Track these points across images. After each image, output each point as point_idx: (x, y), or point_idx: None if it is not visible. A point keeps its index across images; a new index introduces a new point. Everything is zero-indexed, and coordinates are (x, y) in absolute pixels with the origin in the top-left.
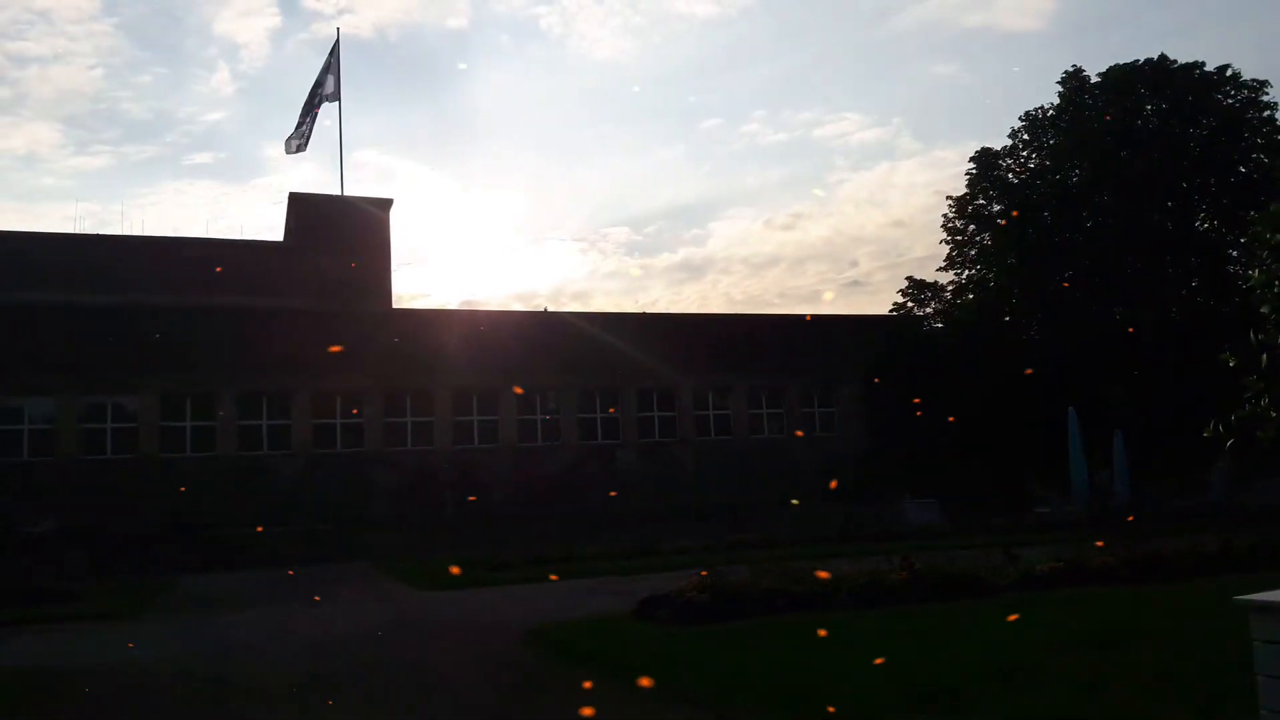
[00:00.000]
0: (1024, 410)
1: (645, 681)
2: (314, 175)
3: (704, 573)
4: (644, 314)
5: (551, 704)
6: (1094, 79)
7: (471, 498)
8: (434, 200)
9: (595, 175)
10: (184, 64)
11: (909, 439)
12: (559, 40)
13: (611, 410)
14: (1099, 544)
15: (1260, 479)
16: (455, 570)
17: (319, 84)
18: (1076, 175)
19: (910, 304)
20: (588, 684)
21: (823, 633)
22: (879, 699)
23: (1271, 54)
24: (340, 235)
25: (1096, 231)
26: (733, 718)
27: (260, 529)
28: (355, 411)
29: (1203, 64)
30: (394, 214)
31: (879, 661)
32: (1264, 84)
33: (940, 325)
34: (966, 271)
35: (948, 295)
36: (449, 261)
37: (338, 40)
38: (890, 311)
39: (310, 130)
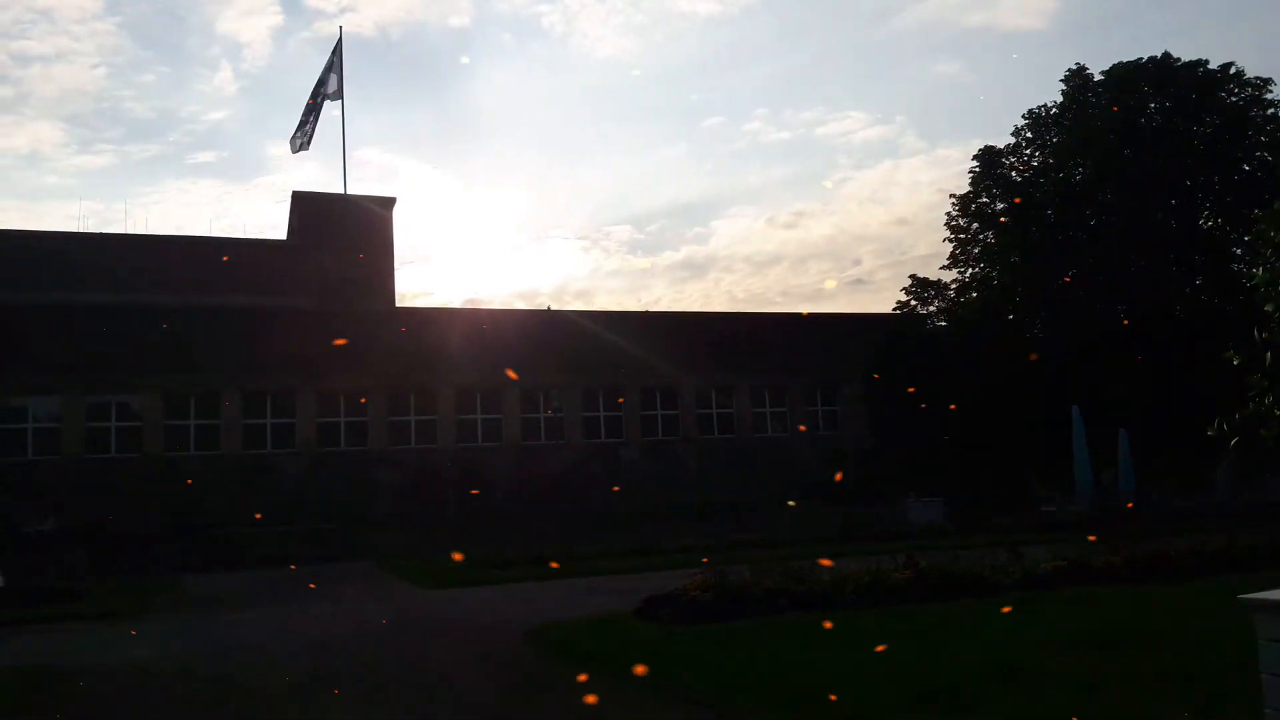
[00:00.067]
0: (1027, 409)
1: (640, 669)
2: (317, 174)
3: (705, 559)
4: (647, 312)
5: (552, 704)
6: (1097, 77)
7: (474, 491)
8: (437, 199)
9: (597, 173)
10: (187, 63)
11: (911, 438)
12: (561, 39)
13: (622, 401)
14: (1091, 538)
15: (1264, 478)
16: (458, 557)
17: (321, 83)
18: (1080, 173)
19: (913, 302)
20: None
21: (828, 625)
22: (881, 698)
23: (1275, 52)
24: (343, 234)
25: (1100, 230)
26: (734, 717)
27: (259, 515)
28: (364, 401)
29: (1206, 62)
30: (397, 212)
31: (881, 649)
32: (1267, 82)
33: (943, 324)
34: (970, 270)
35: (951, 293)
36: (452, 260)
37: (340, 39)
38: (893, 310)
39: (313, 129)
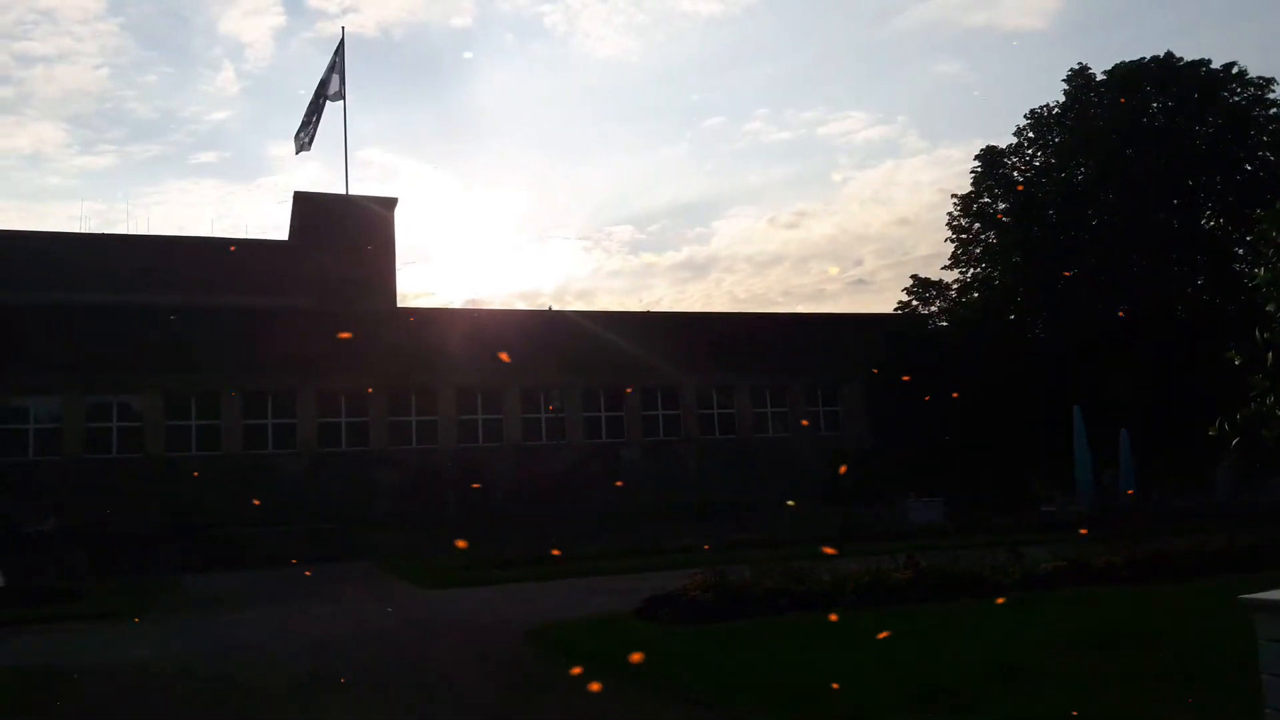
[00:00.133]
0: (1028, 408)
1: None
2: (318, 174)
3: (706, 546)
4: (648, 313)
5: (552, 704)
6: (1099, 77)
7: (475, 484)
8: (438, 199)
9: (599, 173)
10: (189, 63)
11: (912, 437)
12: (563, 39)
13: (629, 391)
14: (1082, 530)
15: (1266, 478)
16: (462, 544)
17: (324, 83)
18: (1082, 173)
19: (915, 302)
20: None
21: (834, 617)
22: (881, 698)
23: (1277, 52)
24: (345, 234)
25: (1101, 229)
26: (734, 717)
27: (257, 501)
28: (370, 390)
29: (1208, 61)
30: (398, 213)
31: (883, 635)
32: (1270, 81)
33: (945, 324)
34: (971, 270)
35: (952, 293)
36: (453, 260)
37: (342, 39)
38: (895, 310)
39: (315, 129)
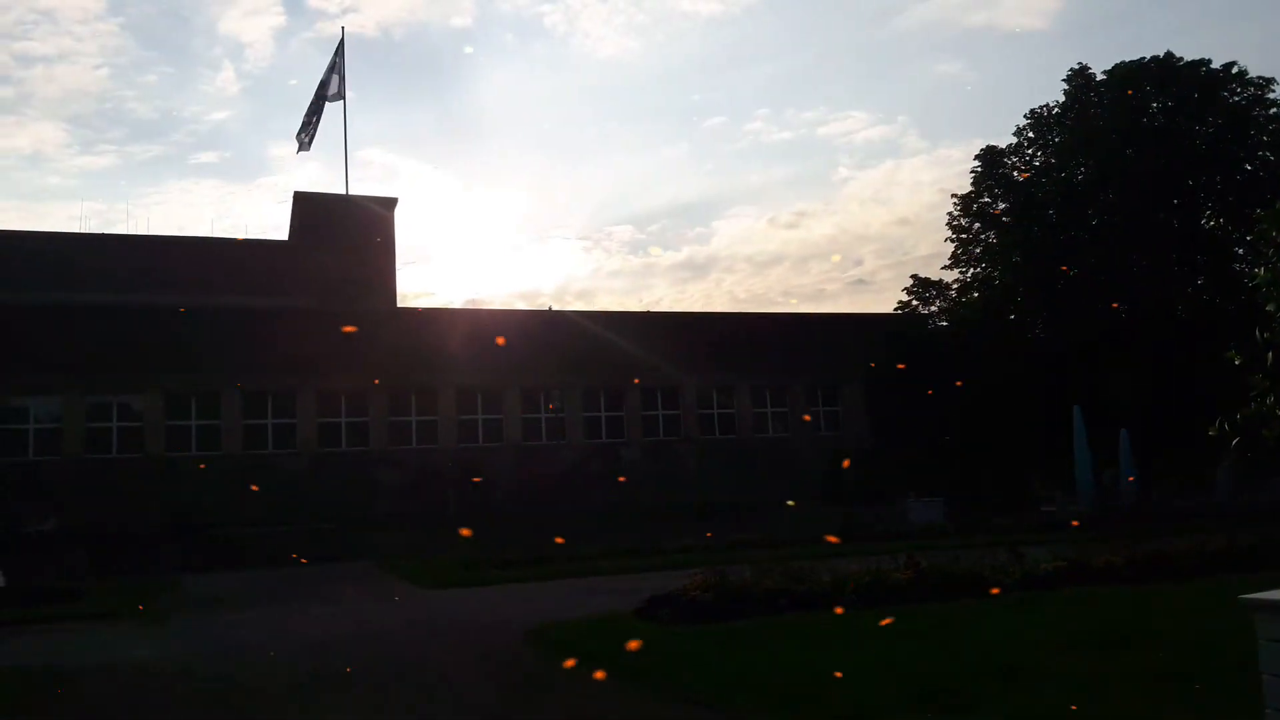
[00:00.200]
0: (1028, 408)
1: (633, 644)
2: (319, 174)
3: (709, 534)
4: (648, 312)
5: (553, 703)
6: (1099, 77)
7: (476, 478)
8: (438, 199)
9: (599, 173)
10: (189, 63)
11: (912, 437)
12: (563, 38)
13: (636, 382)
14: (1074, 523)
15: (1266, 478)
16: (467, 532)
17: (324, 84)
18: (1082, 173)
19: (915, 302)
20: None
21: (839, 610)
22: (881, 698)
23: (1277, 52)
24: (345, 234)
25: (1102, 229)
26: (735, 717)
27: (256, 487)
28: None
29: (1208, 61)
30: (398, 213)
31: (887, 622)
32: (1270, 81)
33: (945, 323)
34: (971, 270)
35: (953, 293)
36: (453, 260)
37: (342, 39)
38: (895, 310)
39: (315, 129)
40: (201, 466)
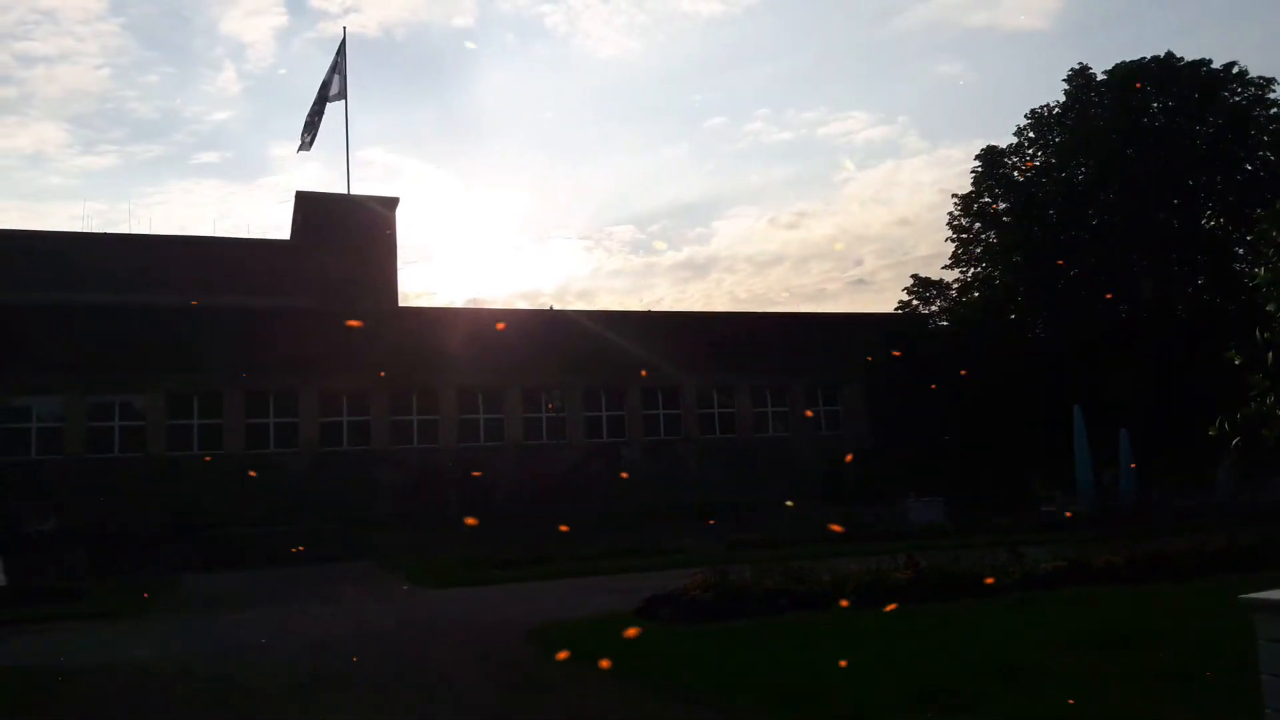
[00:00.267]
0: (1028, 408)
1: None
2: (320, 174)
3: (710, 523)
4: (648, 312)
5: (553, 703)
6: (1100, 77)
7: (476, 473)
8: (439, 199)
9: (600, 173)
10: (191, 63)
11: (912, 437)
12: (564, 39)
13: (643, 373)
14: (1067, 514)
15: (1266, 478)
16: (472, 521)
17: (325, 84)
18: (1082, 173)
19: (915, 302)
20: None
21: (845, 603)
22: (881, 698)
23: (1278, 52)
24: (346, 234)
25: (1102, 229)
26: (735, 716)
27: (254, 473)
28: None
29: (1209, 61)
30: (400, 213)
31: (892, 608)
32: (1270, 81)
33: (945, 323)
34: (972, 269)
35: (953, 293)
36: (454, 260)
37: (344, 39)
38: (895, 310)
39: (317, 129)
40: (207, 459)
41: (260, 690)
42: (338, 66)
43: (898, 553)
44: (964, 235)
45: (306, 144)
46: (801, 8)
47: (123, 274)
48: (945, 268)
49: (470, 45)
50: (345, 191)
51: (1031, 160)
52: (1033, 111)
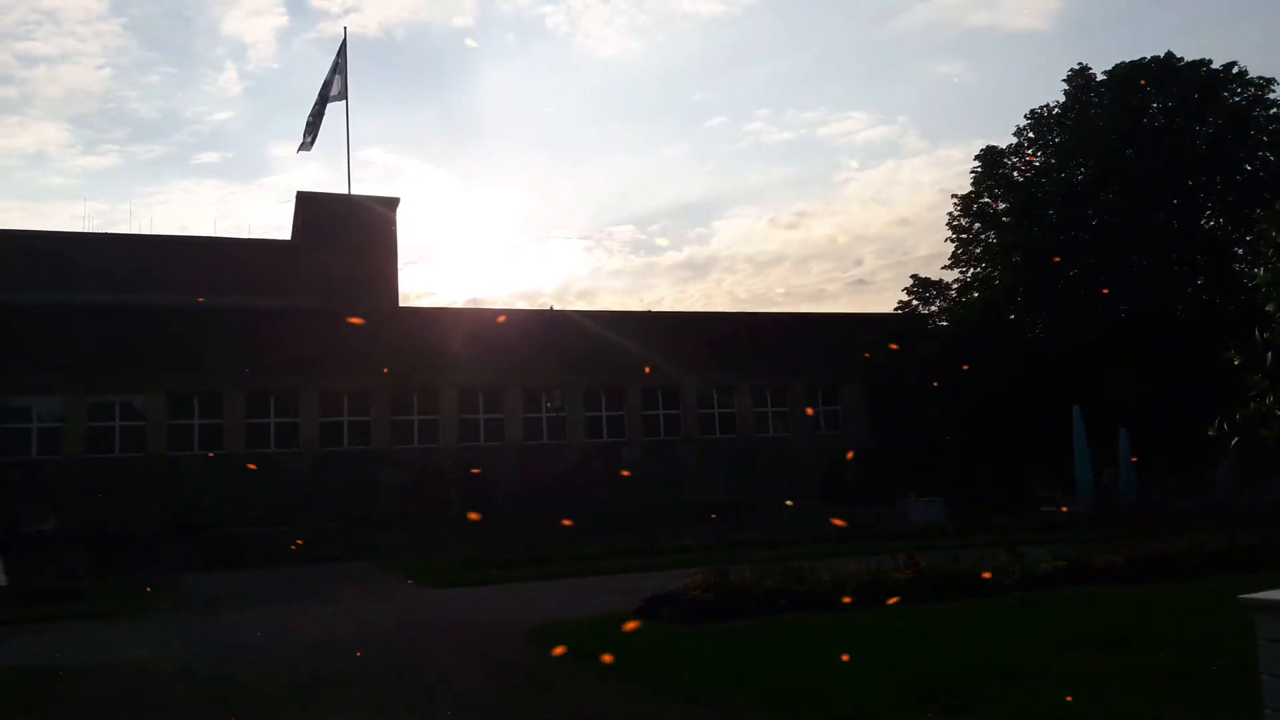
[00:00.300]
0: (1028, 408)
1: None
2: (321, 174)
3: (713, 516)
4: (648, 312)
5: (553, 703)
6: (1100, 77)
7: (475, 470)
8: (440, 199)
9: (600, 173)
10: (192, 64)
11: (912, 437)
12: (564, 39)
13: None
14: (1063, 509)
15: (1266, 478)
16: (475, 516)
17: (326, 84)
18: (1082, 173)
19: (915, 302)
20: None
21: (848, 599)
22: (881, 698)
23: (1278, 52)
24: (347, 234)
25: (1102, 229)
26: (735, 716)
27: (253, 466)
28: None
29: (1209, 62)
30: (400, 213)
31: (894, 600)
32: (1270, 81)
33: (945, 323)
34: (971, 270)
35: (953, 293)
36: (455, 260)
37: (344, 40)
38: (895, 310)
39: (318, 129)
40: (210, 455)
41: (260, 690)
42: (338, 66)
43: (898, 553)
44: (964, 235)
45: (307, 144)
46: (801, 8)
47: (123, 274)
48: (945, 268)
49: (471, 43)
50: (346, 191)
51: (1032, 159)
52: (1032, 112)
